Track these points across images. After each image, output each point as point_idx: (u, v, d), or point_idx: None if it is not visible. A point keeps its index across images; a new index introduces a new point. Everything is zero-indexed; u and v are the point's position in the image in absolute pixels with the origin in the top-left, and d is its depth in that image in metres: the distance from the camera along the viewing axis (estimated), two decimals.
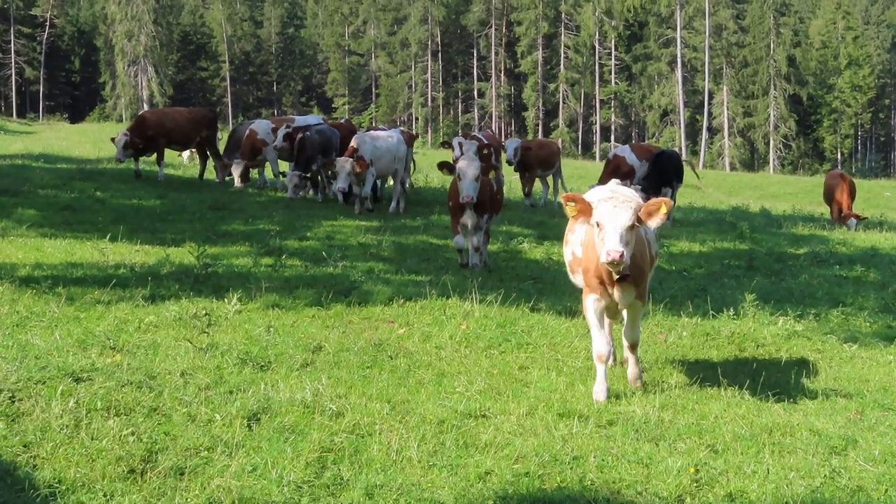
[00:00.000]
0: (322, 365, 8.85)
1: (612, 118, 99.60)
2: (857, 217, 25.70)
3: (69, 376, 7.54)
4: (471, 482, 6.32)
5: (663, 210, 7.92)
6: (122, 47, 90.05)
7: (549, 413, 7.77)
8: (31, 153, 30.58)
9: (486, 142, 23.52)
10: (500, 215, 16.33)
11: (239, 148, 24.35)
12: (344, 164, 19.81)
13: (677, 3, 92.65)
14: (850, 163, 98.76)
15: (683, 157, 31.53)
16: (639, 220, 7.91)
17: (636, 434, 7.40)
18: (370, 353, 9.39)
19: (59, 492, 5.80)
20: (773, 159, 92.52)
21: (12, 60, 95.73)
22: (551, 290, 12.91)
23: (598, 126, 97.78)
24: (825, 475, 6.73)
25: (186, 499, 5.88)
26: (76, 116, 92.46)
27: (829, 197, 27.27)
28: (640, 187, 20.69)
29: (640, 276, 8.39)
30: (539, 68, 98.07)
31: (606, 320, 8.73)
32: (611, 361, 9.29)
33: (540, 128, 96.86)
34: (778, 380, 9.37)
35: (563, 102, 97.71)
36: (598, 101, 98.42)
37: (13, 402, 7.03)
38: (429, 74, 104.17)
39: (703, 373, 9.50)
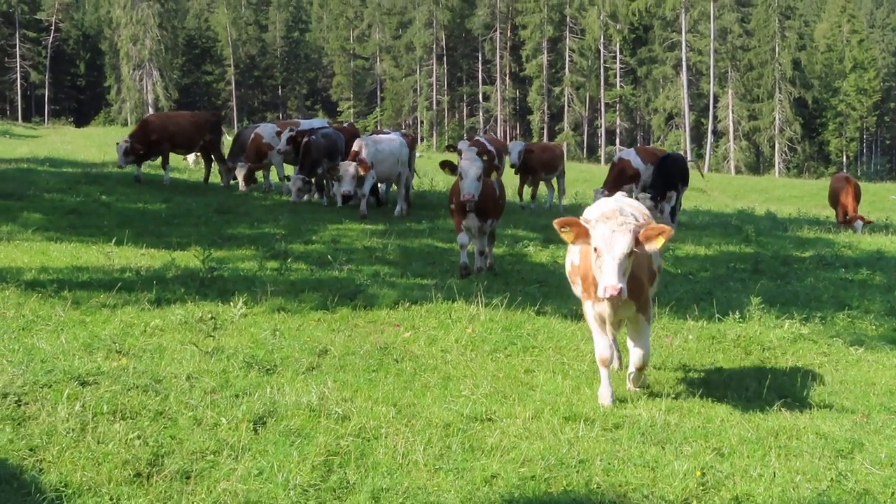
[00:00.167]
0: (328, 368, 8.85)
1: (618, 122, 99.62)
2: (862, 220, 25.65)
3: (75, 380, 7.54)
4: (477, 486, 6.31)
5: (661, 241, 7.72)
6: (128, 51, 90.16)
7: (554, 416, 7.76)
8: (36, 157, 30.62)
9: (488, 146, 23.51)
10: (506, 218, 16.30)
11: (243, 151, 24.38)
12: (347, 167, 19.83)
13: (682, 7, 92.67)
14: (856, 166, 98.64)
15: (689, 159, 31.52)
16: (637, 241, 7.68)
17: (642, 437, 7.39)
18: (376, 356, 9.39)
19: (65, 495, 5.80)
20: (779, 162, 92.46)
21: (18, 64, 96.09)
22: (557, 293, 12.89)
23: (603, 129, 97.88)
24: (831, 478, 6.72)
25: (192, 502, 5.88)
26: (81, 120, 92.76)
27: (835, 200, 27.21)
28: (648, 195, 20.70)
29: (638, 290, 8.12)
30: (544, 72, 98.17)
31: (608, 325, 8.54)
32: (615, 365, 9.25)
33: (545, 131, 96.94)
34: (784, 383, 9.36)
35: (568, 106, 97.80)
36: (603, 104, 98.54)
37: (19, 405, 7.03)
38: (434, 78, 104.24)
39: (708, 376, 9.49)
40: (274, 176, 25.38)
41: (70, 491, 5.86)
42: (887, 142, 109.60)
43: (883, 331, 12.24)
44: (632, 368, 8.62)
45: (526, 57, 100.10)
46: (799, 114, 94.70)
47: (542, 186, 27.05)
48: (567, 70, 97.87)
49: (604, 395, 8.36)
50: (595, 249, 7.67)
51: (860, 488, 6.63)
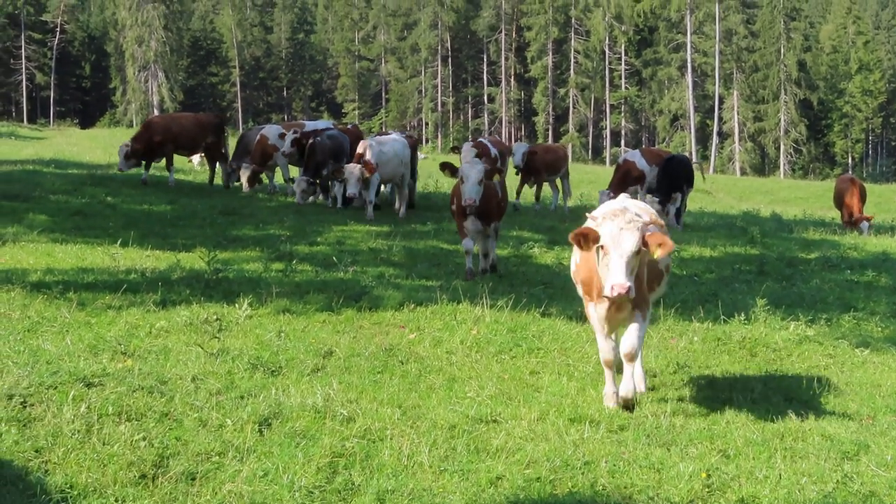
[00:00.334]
0: (333, 370, 8.85)
1: (623, 123, 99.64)
2: (868, 220, 25.60)
3: (80, 381, 7.55)
4: (482, 487, 6.31)
5: (657, 252, 7.63)
6: (133, 53, 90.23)
7: (560, 418, 7.76)
8: (41, 159, 30.62)
9: (490, 147, 23.51)
10: (510, 220, 16.28)
11: (248, 153, 24.38)
12: (353, 170, 19.83)
13: (687, 8, 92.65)
14: (861, 167, 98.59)
15: (693, 161, 31.51)
16: (644, 242, 7.58)
17: (648, 439, 7.39)
18: (381, 358, 9.38)
19: (70, 497, 5.80)
20: (784, 164, 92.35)
21: (23, 66, 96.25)
22: (562, 294, 12.88)
23: (608, 131, 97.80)
24: (837, 480, 6.71)
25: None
26: (87, 122, 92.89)
27: (840, 201, 27.19)
28: (657, 199, 20.71)
29: (637, 287, 7.83)
30: (549, 73, 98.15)
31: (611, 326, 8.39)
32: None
33: (550, 133, 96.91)
34: (789, 385, 9.35)
35: (574, 107, 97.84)
36: (608, 105, 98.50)
37: (25, 407, 7.04)
38: (439, 79, 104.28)
39: (714, 378, 9.49)
40: (279, 177, 25.39)
41: (75, 492, 5.86)
42: (893, 143, 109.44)
43: (889, 332, 12.22)
44: (622, 357, 8.26)
45: (531, 58, 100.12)
46: (804, 115, 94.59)
47: (546, 188, 27.04)
48: (572, 71, 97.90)
49: (609, 396, 8.34)
50: (602, 247, 7.56)
51: (866, 490, 6.63)
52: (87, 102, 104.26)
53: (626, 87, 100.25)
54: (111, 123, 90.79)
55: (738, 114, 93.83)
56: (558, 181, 26.68)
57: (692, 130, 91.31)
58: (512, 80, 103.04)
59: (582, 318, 11.31)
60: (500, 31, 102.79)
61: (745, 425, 7.84)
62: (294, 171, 23.85)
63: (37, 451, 6.37)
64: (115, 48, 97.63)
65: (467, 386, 8.59)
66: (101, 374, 7.79)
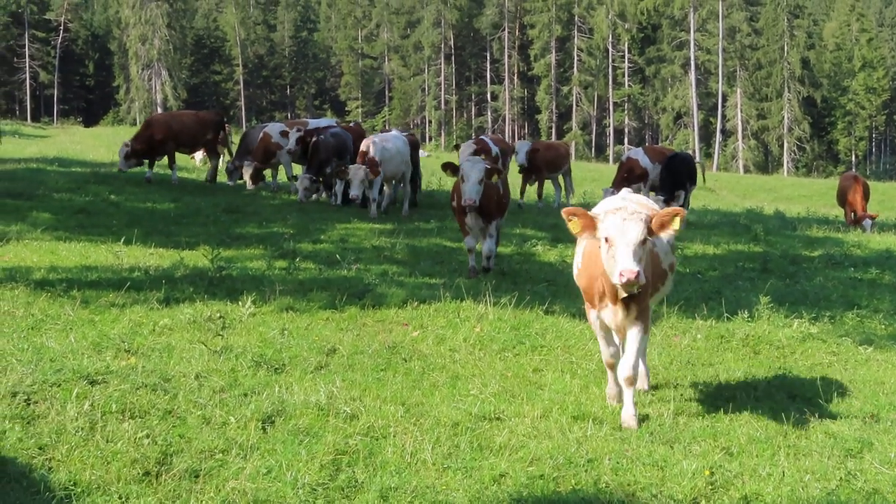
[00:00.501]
0: (336, 367, 8.85)
1: (626, 121, 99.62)
2: (871, 218, 25.57)
3: (84, 379, 7.56)
4: (485, 485, 6.31)
5: (677, 223, 7.35)
6: (136, 51, 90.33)
7: (563, 416, 7.76)
8: (45, 157, 30.68)
9: (491, 145, 23.47)
10: (514, 218, 16.26)
11: (250, 151, 24.38)
12: (357, 170, 19.80)
13: (691, 6, 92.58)
14: (865, 165, 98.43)
15: (696, 159, 31.49)
16: (650, 231, 7.30)
17: (651, 437, 7.38)
18: (384, 355, 9.38)
19: (74, 494, 5.81)
20: (787, 162, 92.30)
21: (27, 64, 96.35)
22: (565, 292, 12.86)
23: (611, 129, 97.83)
24: (840, 478, 6.70)
25: (201, 501, 5.88)
26: (90, 120, 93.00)
27: (843, 199, 27.15)
28: (662, 198, 20.71)
29: (644, 292, 7.75)
30: (552, 71, 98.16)
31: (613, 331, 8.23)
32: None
33: (553, 130, 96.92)
34: (793, 382, 9.34)
35: (577, 105, 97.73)
36: (611, 103, 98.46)
37: (28, 404, 7.06)
38: (442, 77, 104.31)
39: (717, 375, 9.47)
40: (282, 175, 25.39)
41: (79, 490, 5.87)
42: None
43: (892, 330, 12.20)
44: (622, 382, 7.94)
45: (534, 56, 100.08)
46: (808, 113, 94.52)
47: (549, 186, 27.03)
48: (575, 69, 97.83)
49: (612, 395, 8.33)
50: (606, 240, 7.22)
51: (869, 488, 6.62)
52: (91, 101, 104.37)
53: (629, 85, 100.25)
54: (114, 122, 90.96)
55: (741, 111, 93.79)
56: (561, 179, 26.66)
57: (695, 128, 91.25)
58: (515, 77, 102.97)
59: (585, 315, 11.32)
60: (504, 29, 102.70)
61: (748, 423, 7.84)
62: (297, 169, 23.85)
63: (40, 449, 6.38)
64: (118, 46, 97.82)
65: (470, 383, 8.59)
66: (104, 372, 7.80)
